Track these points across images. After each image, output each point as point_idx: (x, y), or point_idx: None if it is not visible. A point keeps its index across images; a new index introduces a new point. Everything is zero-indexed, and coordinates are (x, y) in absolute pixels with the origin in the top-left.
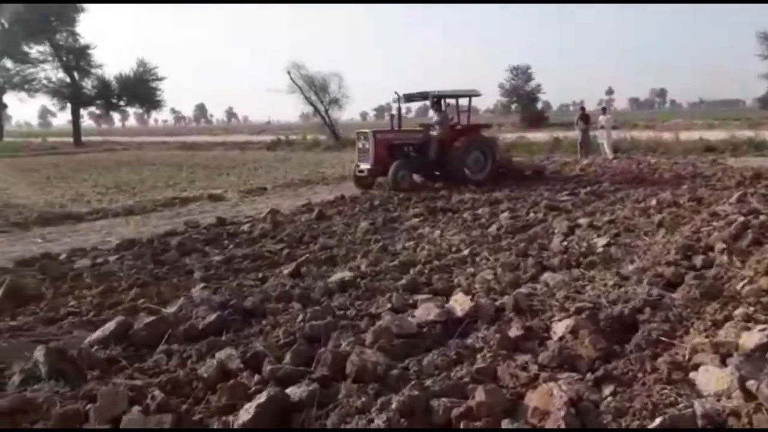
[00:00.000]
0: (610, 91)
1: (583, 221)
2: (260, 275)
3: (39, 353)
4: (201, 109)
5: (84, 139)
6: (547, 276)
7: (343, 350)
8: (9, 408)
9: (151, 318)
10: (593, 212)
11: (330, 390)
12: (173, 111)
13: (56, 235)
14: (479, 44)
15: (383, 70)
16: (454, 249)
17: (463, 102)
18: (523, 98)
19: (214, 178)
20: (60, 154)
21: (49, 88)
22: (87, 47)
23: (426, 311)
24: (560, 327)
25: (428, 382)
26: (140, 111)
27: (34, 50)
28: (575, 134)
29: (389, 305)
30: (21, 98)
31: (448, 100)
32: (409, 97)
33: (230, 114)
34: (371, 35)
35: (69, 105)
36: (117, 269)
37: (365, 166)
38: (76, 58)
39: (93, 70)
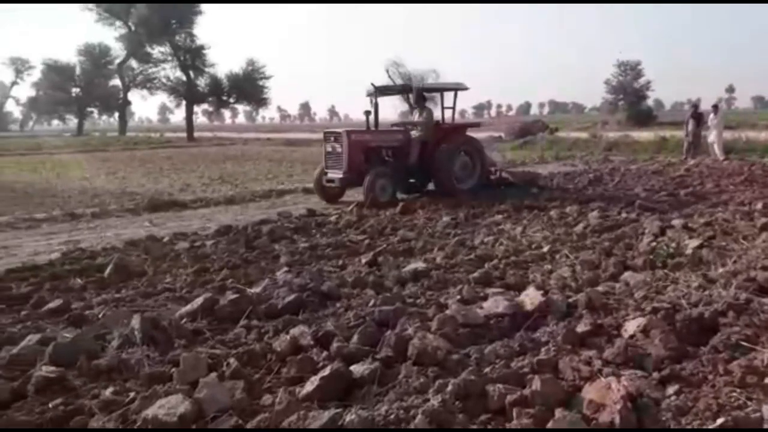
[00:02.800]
0: (730, 89)
1: (677, 222)
2: (340, 262)
3: (135, 321)
4: (305, 108)
5: (196, 134)
6: (627, 275)
7: (407, 334)
8: (107, 366)
9: (236, 296)
10: (690, 214)
11: (391, 370)
12: (279, 109)
13: (162, 220)
14: (584, 39)
15: (483, 65)
16: (534, 246)
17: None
18: (630, 95)
19: (310, 173)
20: (174, 147)
21: (167, 86)
22: (202, 47)
23: (495, 304)
24: (632, 325)
25: (487, 369)
26: (248, 108)
27: (156, 51)
28: (683, 134)
29: (459, 296)
30: (143, 95)
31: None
32: (385, 90)
33: (332, 112)
34: (471, 30)
35: (184, 102)
36: (212, 252)
37: (335, 174)
38: (192, 58)
39: (207, 69)
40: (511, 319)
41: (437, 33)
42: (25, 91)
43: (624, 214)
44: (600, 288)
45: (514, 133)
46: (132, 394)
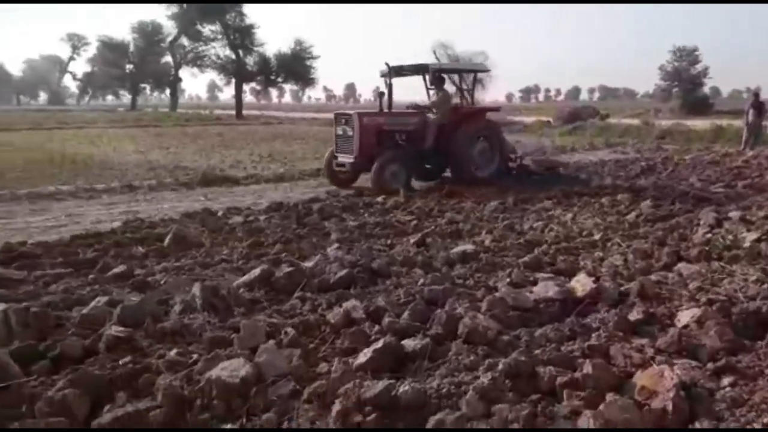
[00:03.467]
0: None
1: (734, 215)
2: (388, 242)
3: (196, 288)
4: (350, 89)
5: (245, 112)
6: (681, 266)
7: (457, 313)
8: (171, 329)
9: (291, 269)
10: (748, 206)
11: (441, 347)
12: (325, 89)
13: (215, 195)
14: (637, 23)
15: (532, 49)
16: (584, 233)
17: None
18: (685, 82)
19: None
20: (223, 125)
21: (217, 65)
22: (251, 26)
23: (545, 288)
24: (685, 315)
25: (537, 351)
26: (295, 88)
27: (207, 29)
28: (741, 123)
29: (508, 280)
30: (193, 73)
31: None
32: (400, 71)
33: (379, 94)
34: (520, 13)
35: (233, 80)
36: (265, 227)
37: (346, 159)
38: (242, 37)
39: (255, 48)
40: (561, 304)
41: (486, 15)
42: (81, 66)
43: (678, 204)
44: (653, 277)
45: (563, 118)
46: (195, 356)
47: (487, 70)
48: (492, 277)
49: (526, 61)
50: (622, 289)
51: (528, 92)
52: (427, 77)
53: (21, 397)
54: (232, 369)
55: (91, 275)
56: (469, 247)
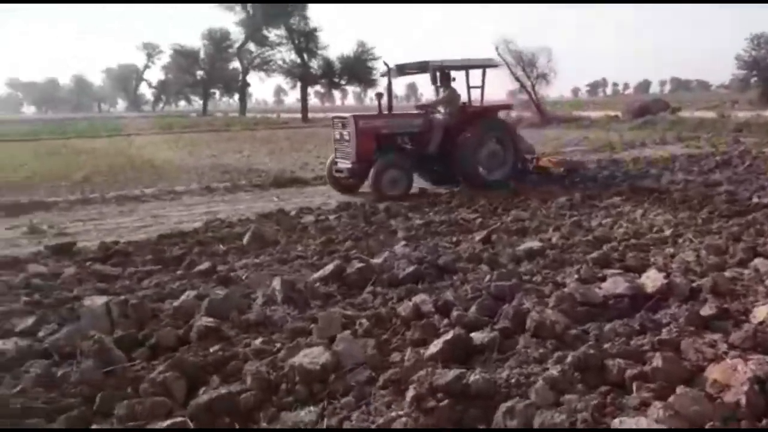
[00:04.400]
0: None
1: None
2: (454, 239)
3: (276, 283)
4: (412, 88)
5: (310, 115)
6: (758, 262)
7: (525, 308)
8: (255, 320)
9: (361, 265)
10: None
11: (510, 340)
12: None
13: (287, 196)
14: (710, 12)
15: (598, 41)
16: (655, 229)
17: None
18: (764, 71)
19: None
20: (290, 128)
21: (283, 69)
22: (315, 30)
23: (614, 284)
24: (762, 311)
25: (606, 345)
26: (358, 90)
27: (272, 34)
28: None
29: (576, 276)
30: (260, 78)
31: (455, 73)
32: (403, 69)
33: (376, 95)
34: (584, 6)
35: (298, 84)
36: (335, 225)
37: (344, 164)
38: (306, 41)
39: (319, 51)
40: (630, 300)
41: (549, 10)
42: (155, 74)
43: (755, 199)
44: (727, 273)
45: (633, 112)
46: (278, 345)
47: (495, 66)
48: (559, 273)
49: (593, 55)
50: (694, 285)
51: (595, 86)
52: (437, 75)
53: (125, 379)
54: (312, 356)
55: (179, 271)
56: (535, 243)
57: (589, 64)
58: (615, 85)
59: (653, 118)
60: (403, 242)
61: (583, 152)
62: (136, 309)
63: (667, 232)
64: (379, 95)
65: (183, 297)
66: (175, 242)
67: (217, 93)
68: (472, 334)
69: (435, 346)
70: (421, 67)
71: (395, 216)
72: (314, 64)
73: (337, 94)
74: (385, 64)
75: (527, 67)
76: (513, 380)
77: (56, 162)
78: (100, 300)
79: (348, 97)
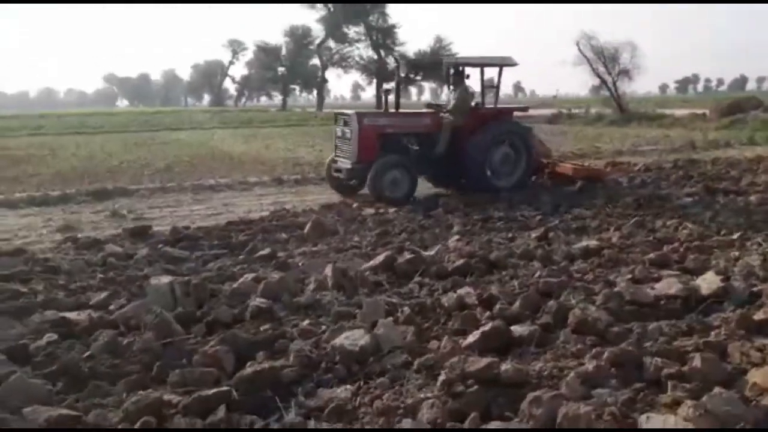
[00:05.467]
0: None
1: None
2: (510, 235)
3: (328, 270)
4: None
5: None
6: None
7: (569, 304)
8: (305, 303)
9: (412, 256)
10: None
11: (550, 335)
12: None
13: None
14: None
15: (689, 35)
16: (723, 232)
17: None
18: None
19: None
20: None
21: (360, 65)
22: (393, 26)
23: (667, 285)
24: None
25: (647, 344)
26: (434, 85)
27: (352, 31)
28: None
29: (630, 276)
30: (338, 74)
31: (470, 71)
32: (415, 65)
33: (517, 88)
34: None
35: (375, 80)
36: (393, 218)
37: (344, 164)
38: (384, 37)
39: (396, 48)
40: (683, 301)
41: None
42: (239, 70)
43: None
44: None
45: (720, 110)
46: (324, 327)
47: (513, 64)
48: (613, 272)
49: (684, 50)
50: (754, 289)
51: (685, 83)
52: (450, 72)
53: (182, 351)
54: (353, 338)
55: (242, 256)
56: (593, 242)
57: (680, 60)
58: (707, 81)
59: (743, 117)
60: (456, 236)
61: (660, 152)
62: (197, 289)
63: (735, 236)
64: (386, 92)
65: (241, 279)
66: (241, 229)
67: (297, 89)
68: (513, 327)
69: (473, 336)
70: (433, 63)
71: (453, 211)
72: (391, 60)
73: (413, 90)
74: (396, 59)
75: (609, 63)
76: (546, 372)
77: (142, 152)
78: (165, 279)
79: (424, 93)
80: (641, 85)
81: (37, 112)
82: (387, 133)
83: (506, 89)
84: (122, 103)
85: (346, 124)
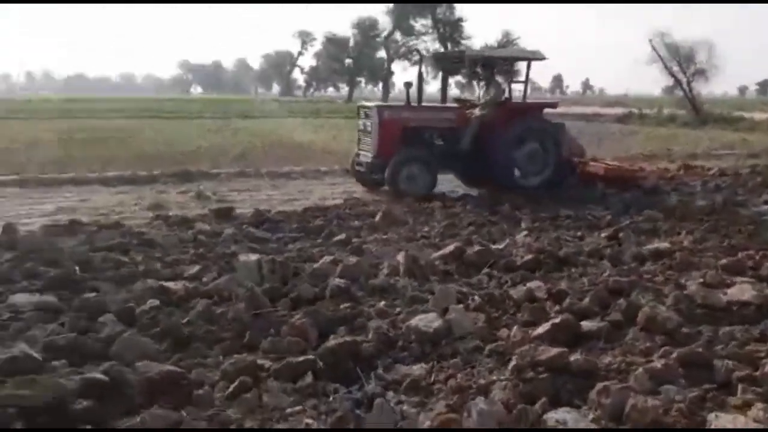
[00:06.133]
0: None
1: None
2: (579, 234)
3: (401, 257)
4: (557, 81)
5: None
6: None
7: (639, 303)
8: (380, 286)
9: (481, 248)
10: None
11: (619, 332)
12: (531, 82)
13: None
14: None
15: None
16: None
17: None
18: None
19: None
20: None
21: (425, 58)
22: (460, 20)
23: (740, 291)
24: None
25: (718, 347)
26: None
27: (419, 24)
28: None
29: (701, 280)
30: (404, 67)
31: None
32: (442, 58)
33: (586, 86)
34: None
35: (440, 73)
36: (460, 212)
37: (365, 157)
38: (451, 30)
39: (463, 41)
40: (756, 309)
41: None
42: (308, 61)
43: None
44: None
45: None
46: (398, 309)
47: (542, 58)
48: (684, 276)
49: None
50: None
51: (766, 85)
52: (477, 67)
53: (269, 322)
54: (427, 321)
55: (319, 240)
56: (664, 245)
57: (762, 61)
58: None
59: None
60: (525, 232)
61: (737, 156)
62: (282, 267)
63: None
64: (408, 84)
65: (321, 261)
66: (317, 215)
67: (363, 81)
68: (582, 322)
69: (543, 328)
70: (457, 58)
71: (521, 207)
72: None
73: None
74: (417, 51)
75: (684, 62)
76: (614, 366)
77: (218, 138)
78: (253, 257)
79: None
80: (718, 86)
81: (117, 96)
82: (410, 126)
83: (574, 87)
84: (195, 90)
85: (367, 116)
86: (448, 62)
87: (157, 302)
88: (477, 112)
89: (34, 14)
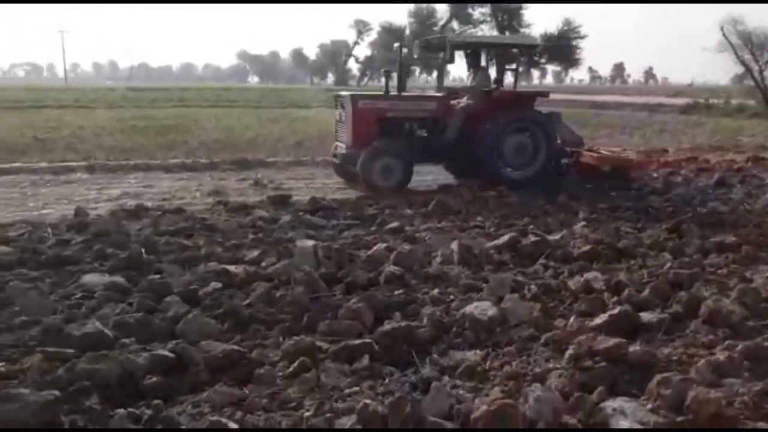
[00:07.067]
0: None
1: None
2: (639, 225)
3: (454, 245)
4: (618, 69)
5: None
6: None
7: (701, 295)
8: (433, 274)
9: (537, 238)
10: None
11: (679, 324)
12: (590, 70)
13: None
14: None
15: None
16: None
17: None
18: None
19: (615, 137)
20: None
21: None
22: (520, 7)
23: None
24: None
25: None
26: (558, 69)
27: (477, 12)
28: None
29: None
30: (460, 56)
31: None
32: (426, 45)
33: (648, 74)
34: None
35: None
36: (515, 202)
37: (340, 149)
38: (510, 18)
39: (522, 29)
40: None
41: None
42: (363, 50)
43: None
44: None
45: None
46: (452, 297)
47: (533, 45)
48: (749, 269)
49: None
50: None
51: None
52: (456, 54)
53: (326, 306)
54: (482, 309)
55: (373, 227)
56: (729, 238)
57: None
58: None
59: None
60: (582, 222)
61: None
62: (338, 252)
63: None
64: (387, 72)
65: (375, 247)
66: (370, 203)
67: (417, 70)
68: (641, 313)
69: (600, 318)
70: (439, 44)
71: (577, 198)
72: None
73: (535, 72)
74: (399, 39)
75: (756, 50)
76: (675, 358)
77: (275, 127)
78: (309, 242)
79: (547, 77)
80: None
81: (178, 84)
82: (387, 117)
83: (636, 75)
84: (253, 80)
85: (343, 107)
86: (433, 50)
87: (219, 284)
88: (464, 101)
89: (101, 7)
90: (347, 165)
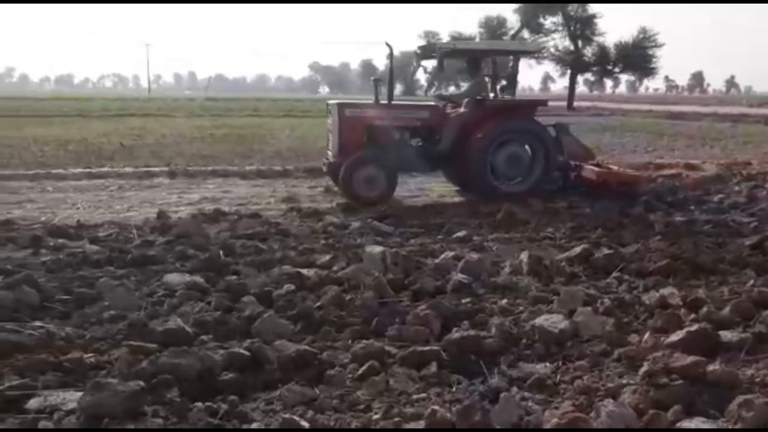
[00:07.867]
0: None
1: None
2: (719, 240)
3: (524, 256)
4: (697, 78)
5: (575, 104)
6: None
7: None
8: (502, 284)
9: (610, 251)
10: None
11: (763, 345)
12: (666, 79)
13: None
14: None
15: None
16: None
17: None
18: None
19: (696, 149)
20: (552, 115)
21: (554, 56)
22: (593, 16)
23: None
24: None
25: None
26: (632, 78)
27: (548, 21)
28: None
29: None
30: (530, 65)
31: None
32: (420, 52)
33: (730, 84)
34: None
35: (568, 71)
36: (588, 213)
37: (329, 157)
38: (582, 27)
39: (595, 38)
40: None
41: None
42: (431, 61)
43: None
44: None
45: None
46: (521, 308)
47: (531, 51)
48: None
49: None
50: None
51: None
52: (446, 61)
53: (394, 311)
54: (552, 321)
55: (439, 236)
56: None
57: None
58: None
59: None
60: (659, 236)
61: None
62: (406, 259)
63: None
64: (377, 81)
65: (442, 256)
66: (437, 212)
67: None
68: (720, 332)
69: (677, 335)
70: (430, 51)
71: (654, 210)
72: (588, 51)
73: (608, 82)
74: (387, 45)
75: None
76: (758, 379)
77: None
78: (378, 248)
79: (620, 86)
80: None
81: (252, 95)
82: (375, 126)
83: (716, 85)
84: (323, 90)
85: (331, 114)
86: (428, 57)
87: (292, 287)
88: (453, 110)
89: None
90: (333, 174)
